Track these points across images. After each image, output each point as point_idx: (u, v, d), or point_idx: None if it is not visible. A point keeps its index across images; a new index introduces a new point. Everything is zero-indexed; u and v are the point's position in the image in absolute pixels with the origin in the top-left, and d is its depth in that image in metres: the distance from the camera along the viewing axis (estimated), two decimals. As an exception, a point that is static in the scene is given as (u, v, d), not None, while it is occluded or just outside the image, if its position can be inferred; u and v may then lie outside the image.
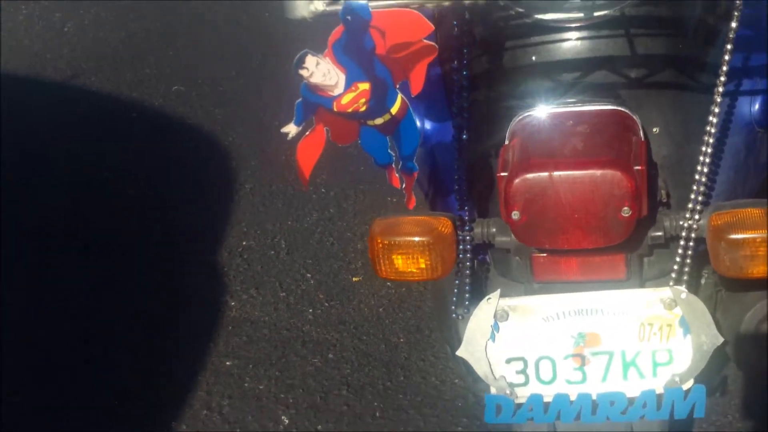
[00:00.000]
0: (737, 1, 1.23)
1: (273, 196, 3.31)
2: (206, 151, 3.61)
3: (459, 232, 1.51)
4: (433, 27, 1.18)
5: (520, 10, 1.55)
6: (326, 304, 2.84)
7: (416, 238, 1.47)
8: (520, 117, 1.49)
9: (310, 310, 2.82)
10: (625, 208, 1.34)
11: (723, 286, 1.58)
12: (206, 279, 2.97)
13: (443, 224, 1.48)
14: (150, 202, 3.33)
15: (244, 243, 3.12)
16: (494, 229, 1.53)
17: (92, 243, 3.16)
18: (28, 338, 2.76)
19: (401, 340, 2.69)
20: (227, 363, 2.65)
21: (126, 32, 4.48)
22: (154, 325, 2.79)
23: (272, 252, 3.07)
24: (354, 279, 2.93)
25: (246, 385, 2.57)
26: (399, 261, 1.50)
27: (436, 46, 1.21)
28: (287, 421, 2.45)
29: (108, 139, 3.68)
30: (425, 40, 1.20)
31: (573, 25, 1.53)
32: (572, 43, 1.55)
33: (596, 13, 1.51)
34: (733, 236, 1.36)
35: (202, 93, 3.95)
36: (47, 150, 3.63)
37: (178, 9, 4.64)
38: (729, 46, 1.28)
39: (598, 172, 1.34)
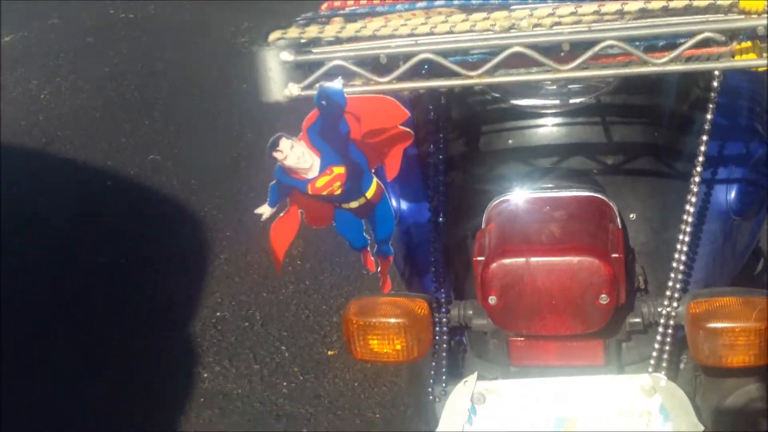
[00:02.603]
0: (712, 93, 1.24)
1: (248, 267, 3.29)
2: (181, 221, 3.58)
3: (435, 314, 1.49)
4: (408, 114, 1.18)
5: (497, 95, 1.56)
6: (301, 378, 2.80)
7: (392, 320, 1.46)
8: (497, 201, 1.49)
9: (285, 384, 2.78)
10: (603, 295, 1.34)
11: (702, 372, 1.57)
12: (179, 350, 2.93)
13: (419, 306, 1.47)
14: (123, 271, 3.30)
15: (218, 314, 3.08)
16: (471, 312, 1.52)
17: (63, 312, 3.11)
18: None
19: (377, 415, 2.65)
20: (199, 437, 2.59)
21: (103, 101, 4.48)
22: (127, 396, 2.74)
23: (247, 324, 3.04)
24: (329, 352, 2.89)
25: (218, 460, 2.53)
26: (374, 342, 1.48)
27: (412, 133, 1.20)
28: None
29: (81, 208, 3.65)
30: (401, 126, 1.20)
31: (549, 111, 1.54)
32: (549, 128, 1.56)
33: (572, 101, 1.53)
34: (712, 325, 1.35)
35: (177, 162, 3.94)
36: (18, 217, 3.60)
37: (156, 80, 4.66)
38: (705, 137, 1.29)
39: (575, 259, 1.33)
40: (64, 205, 3.67)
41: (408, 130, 1.20)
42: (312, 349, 2.91)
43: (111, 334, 3.00)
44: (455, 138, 1.60)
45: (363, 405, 2.69)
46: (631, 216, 1.55)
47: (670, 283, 1.41)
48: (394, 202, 1.34)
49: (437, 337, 1.50)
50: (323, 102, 1.16)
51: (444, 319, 1.50)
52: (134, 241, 3.44)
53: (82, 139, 4.16)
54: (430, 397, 1.56)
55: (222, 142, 4.06)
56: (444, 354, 1.53)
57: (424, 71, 1.22)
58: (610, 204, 1.48)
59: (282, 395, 2.74)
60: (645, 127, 1.58)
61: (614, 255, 1.36)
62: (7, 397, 2.75)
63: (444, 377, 1.54)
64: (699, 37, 1.07)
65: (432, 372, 1.55)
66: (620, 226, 1.46)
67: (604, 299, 1.34)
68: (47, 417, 2.70)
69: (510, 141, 1.58)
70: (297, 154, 1.21)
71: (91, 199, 3.72)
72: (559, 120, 1.56)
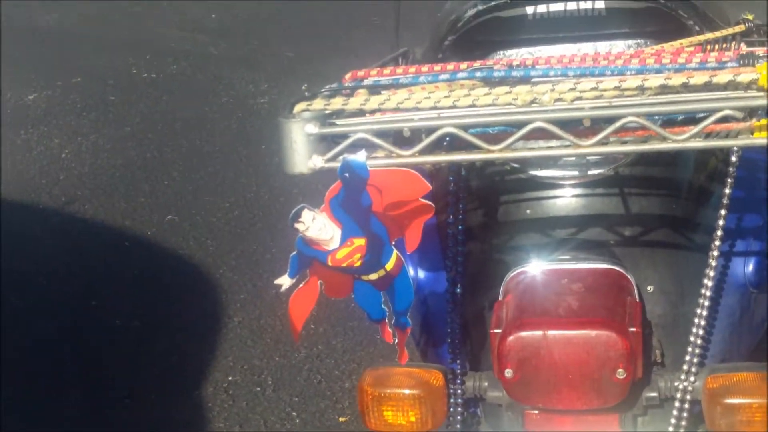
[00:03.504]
0: (730, 168, 1.25)
1: (261, 331, 3.28)
2: (196, 283, 3.59)
3: (450, 386, 1.49)
4: (429, 187, 1.19)
5: (516, 165, 1.57)
6: (312, 445, 2.78)
7: (407, 391, 1.45)
8: (515, 272, 1.49)
9: (295, 451, 2.76)
10: (620, 369, 1.33)
11: (719, 447, 1.55)
12: (190, 414, 2.90)
13: (435, 377, 1.47)
14: (137, 333, 3.29)
15: (230, 378, 3.07)
16: (486, 383, 1.51)
17: (76, 372, 3.10)
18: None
19: (388, 485, 2.61)
20: (208, 505, 2.57)
21: (123, 160, 4.53)
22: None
23: (258, 389, 3.02)
24: (341, 419, 2.86)
25: None
26: (389, 413, 1.47)
27: (433, 206, 1.21)
28: None
29: (98, 267, 3.67)
30: (422, 200, 1.21)
31: (568, 182, 1.55)
32: (567, 199, 1.57)
33: (590, 172, 1.54)
34: (730, 401, 1.34)
35: (194, 223, 3.96)
36: (37, 275, 3.61)
37: (176, 140, 4.71)
38: (723, 210, 1.29)
39: (592, 333, 1.33)
40: (81, 264, 3.68)
41: (429, 203, 1.21)
42: (323, 415, 2.88)
43: (122, 397, 2.98)
44: (474, 208, 1.61)
45: (374, 473, 2.65)
46: (649, 288, 1.55)
47: (687, 357, 1.40)
48: (411, 272, 1.34)
49: (452, 409, 1.50)
50: (346, 174, 1.17)
51: (459, 391, 1.50)
52: (149, 302, 3.44)
53: (102, 198, 4.20)
54: (445, 469, 1.54)
55: (239, 204, 4.08)
56: (458, 426, 1.52)
57: (445, 143, 1.23)
58: (628, 276, 1.48)
59: (292, 462, 2.71)
60: (663, 199, 1.58)
61: (632, 329, 1.36)
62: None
63: (458, 449, 1.53)
64: (718, 114, 1.08)
65: (446, 444, 1.54)
66: (638, 299, 1.46)
67: (621, 374, 1.34)
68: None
69: (528, 211, 1.58)
70: (318, 226, 1.22)
71: (108, 260, 3.74)
72: (577, 191, 1.57)
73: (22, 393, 3.01)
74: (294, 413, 2.90)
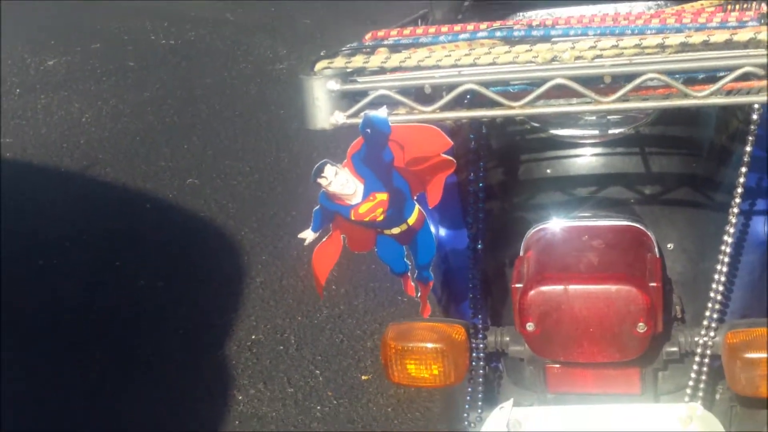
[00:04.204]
0: (751, 126, 1.25)
1: (283, 291, 3.31)
2: (218, 245, 3.63)
3: (472, 340, 1.50)
4: (451, 143, 1.19)
5: (536, 125, 1.58)
6: (335, 402, 2.81)
7: (429, 345, 1.47)
8: (536, 229, 1.50)
9: (318, 408, 2.79)
10: (641, 324, 1.34)
11: (738, 402, 1.57)
12: (214, 372, 2.95)
13: (457, 331, 1.48)
14: (160, 293, 3.34)
15: (253, 337, 3.11)
16: (508, 338, 1.52)
17: (101, 333, 3.15)
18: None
19: (410, 441, 2.66)
20: (234, 459, 2.62)
21: (143, 125, 4.56)
22: (163, 417, 2.76)
23: (281, 347, 3.06)
24: (363, 377, 2.90)
25: (252, 481, 2.54)
26: (412, 367, 1.49)
27: (454, 161, 1.22)
28: None
29: (121, 229, 3.71)
30: (443, 155, 1.22)
31: (588, 141, 1.55)
32: (587, 158, 1.57)
33: (611, 131, 1.54)
34: (749, 355, 1.35)
35: (215, 187, 3.99)
36: (61, 238, 3.66)
37: (195, 105, 4.73)
38: (744, 168, 1.30)
39: (613, 288, 1.34)
40: (103, 227, 3.73)
41: (450, 158, 1.22)
42: (346, 373, 2.92)
43: (147, 356, 3.03)
44: (495, 167, 1.61)
45: (396, 430, 2.69)
46: (669, 246, 1.56)
47: (708, 313, 1.41)
48: (433, 229, 1.36)
49: (474, 363, 1.51)
50: (368, 130, 1.18)
51: (481, 345, 1.51)
52: (172, 264, 3.49)
53: (122, 162, 4.23)
54: (466, 423, 1.56)
55: (259, 168, 4.11)
56: (480, 380, 1.54)
57: (466, 101, 1.24)
58: (648, 233, 1.48)
59: (316, 419, 2.75)
60: (683, 158, 1.58)
61: (652, 284, 1.37)
62: (39, 418, 2.78)
63: (480, 403, 1.55)
64: (739, 71, 1.08)
65: (468, 398, 1.56)
66: (658, 256, 1.46)
67: (641, 328, 1.35)
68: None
69: (548, 170, 1.59)
70: (341, 181, 1.23)
71: (130, 222, 3.78)
72: (598, 150, 1.57)
73: (48, 354, 3.06)
74: (317, 371, 2.93)
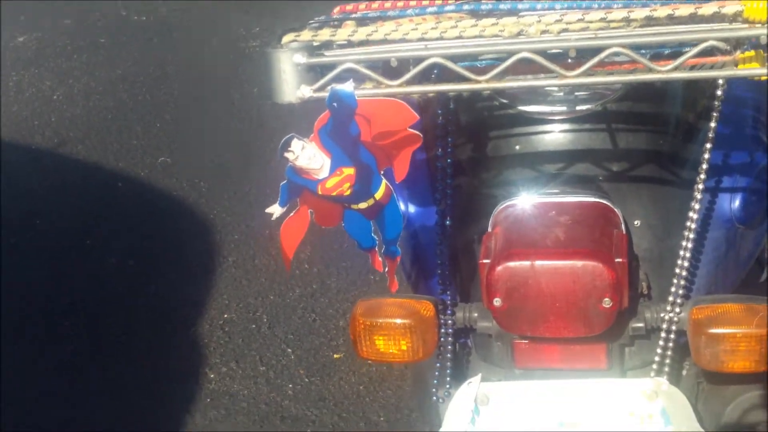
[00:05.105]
0: (716, 102, 1.26)
1: (256, 270, 3.31)
2: (190, 223, 3.61)
3: (441, 316, 1.51)
4: (418, 117, 1.20)
5: (504, 101, 1.58)
6: (306, 380, 2.81)
7: (398, 320, 1.47)
8: (503, 205, 1.51)
9: (290, 386, 2.80)
10: (606, 299, 1.35)
11: (704, 378, 1.58)
12: (186, 351, 2.95)
13: (425, 307, 1.48)
14: (131, 272, 3.32)
15: (225, 316, 3.10)
16: (476, 314, 1.53)
17: (72, 311, 3.14)
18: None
19: (381, 418, 2.66)
20: (204, 437, 2.61)
21: (114, 102, 4.52)
22: (133, 395, 2.76)
23: (253, 326, 3.05)
24: (335, 356, 2.91)
25: (223, 460, 2.54)
26: (380, 342, 1.50)
27: (421, 136, 1.22)
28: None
29: (92, 208, 3.69)
30: (410, 129, 1.22)
31: (556, 117, 1.56)
32: (555, 135, 1.58)
33: (578, 108, 1.54)
34: (714, 331, 1.36)
35: (188, 165, 3.97)
36: (31, 216, 3.63)
37: (167, 82, 4.69)
38: (709, 144, 1.30)
39: (579, 263, 1.35)
40: (74, 205, 3.70)
41: (417, 132, 1.22)
42: (318, 352, 2.93)
43: (118, 334, 3.02)
44: (463, 143, 1.62)
45: (368, 408, 2.70)
46: (636, 222, 1.56)
47: (673, 289, 1.42)
48: (402, 205, 1.36)
49: (442, 339, 1.52)
50: (334, 104, 1.18)
51: (449, 321, 1.52)
52: (143, 242, 3.47)
53: (94, 140, 4.20)
54: (434, 398, 1.57)
55: (231, 145, 4.08)
56: (448, 355, 1.54)
57: (433, 75, 1.24)
58: (615, 210, 1.49)
59: (287, 397, 2.75)
60: (650, 134, 1.59)
61: (618, 260, 1.37)
62: (10, 396, 2.77)
63: (448, 379, 1.56)
64: (703, 45, 1.09)
65: (436, 373, 1.56)
66: (624, 232, 1.47)
67: (607, 303, 1.36)
68: (50, 416, 2.71)
69: (517, 147, 1.59)
70: (308, 155, 1.23)
71: (102, 200, 3.76)
72: (565, 126, 1.57)
73: (18, 332, 3.04)
74: (289, 350, 2.94)
